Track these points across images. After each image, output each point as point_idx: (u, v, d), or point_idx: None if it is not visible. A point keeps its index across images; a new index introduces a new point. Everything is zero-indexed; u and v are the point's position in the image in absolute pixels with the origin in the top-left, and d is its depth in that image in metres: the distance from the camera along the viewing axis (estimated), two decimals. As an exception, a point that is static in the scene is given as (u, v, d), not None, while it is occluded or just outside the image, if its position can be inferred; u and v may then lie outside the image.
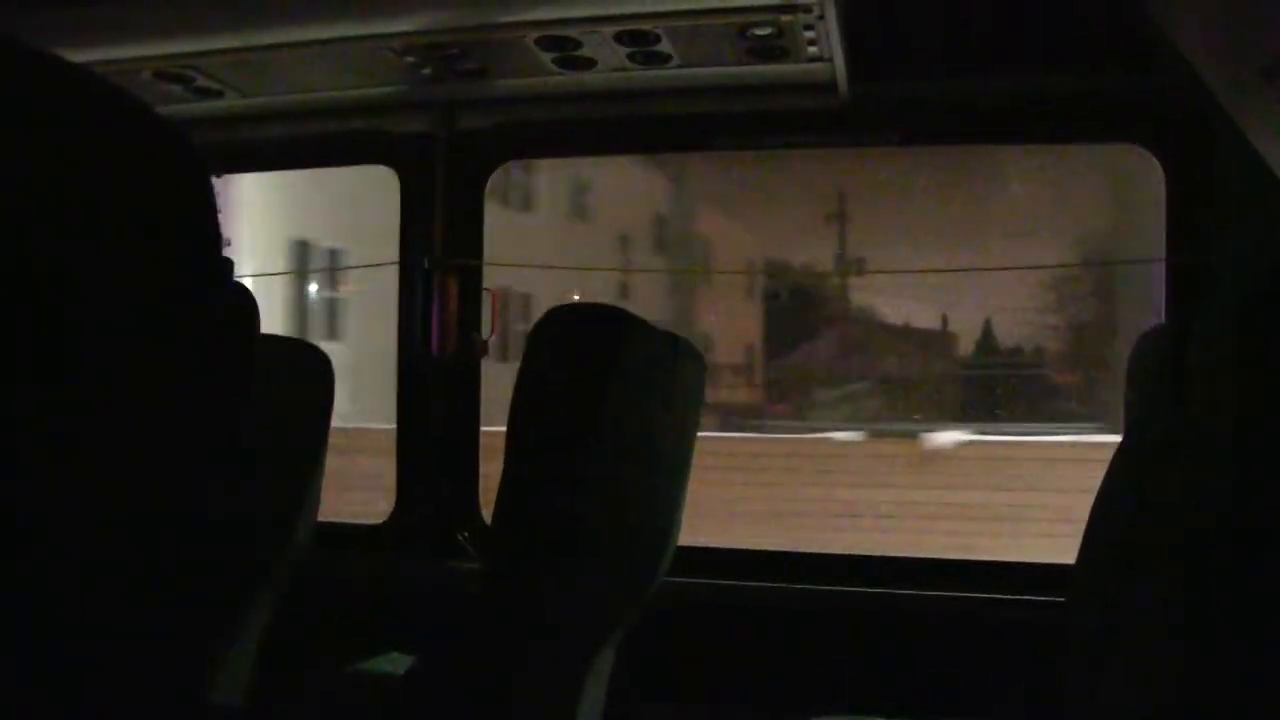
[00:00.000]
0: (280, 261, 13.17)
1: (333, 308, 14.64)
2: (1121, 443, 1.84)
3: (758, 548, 2.80)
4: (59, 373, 0.53)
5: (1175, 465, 1.39)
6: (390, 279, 2.87)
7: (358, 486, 3.84)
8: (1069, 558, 1.88)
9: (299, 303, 14.26)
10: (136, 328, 0.57)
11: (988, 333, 13.44)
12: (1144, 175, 2.43)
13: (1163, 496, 1.40)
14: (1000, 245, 11.33)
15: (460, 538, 2.75)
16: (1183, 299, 2.35)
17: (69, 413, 0.54)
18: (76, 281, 0.54)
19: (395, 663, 2.43)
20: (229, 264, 0.65)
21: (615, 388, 1.70)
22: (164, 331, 0.59)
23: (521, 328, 2.58)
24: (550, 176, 15.15)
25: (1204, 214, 2.35)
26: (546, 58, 2.43)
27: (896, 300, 14.27)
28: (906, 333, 14.49)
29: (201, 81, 2.57)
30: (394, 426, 2.81)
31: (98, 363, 0.55)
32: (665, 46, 2.34)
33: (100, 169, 0.56)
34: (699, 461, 2.17)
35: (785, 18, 2.16)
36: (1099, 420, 10.82)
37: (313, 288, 14.47)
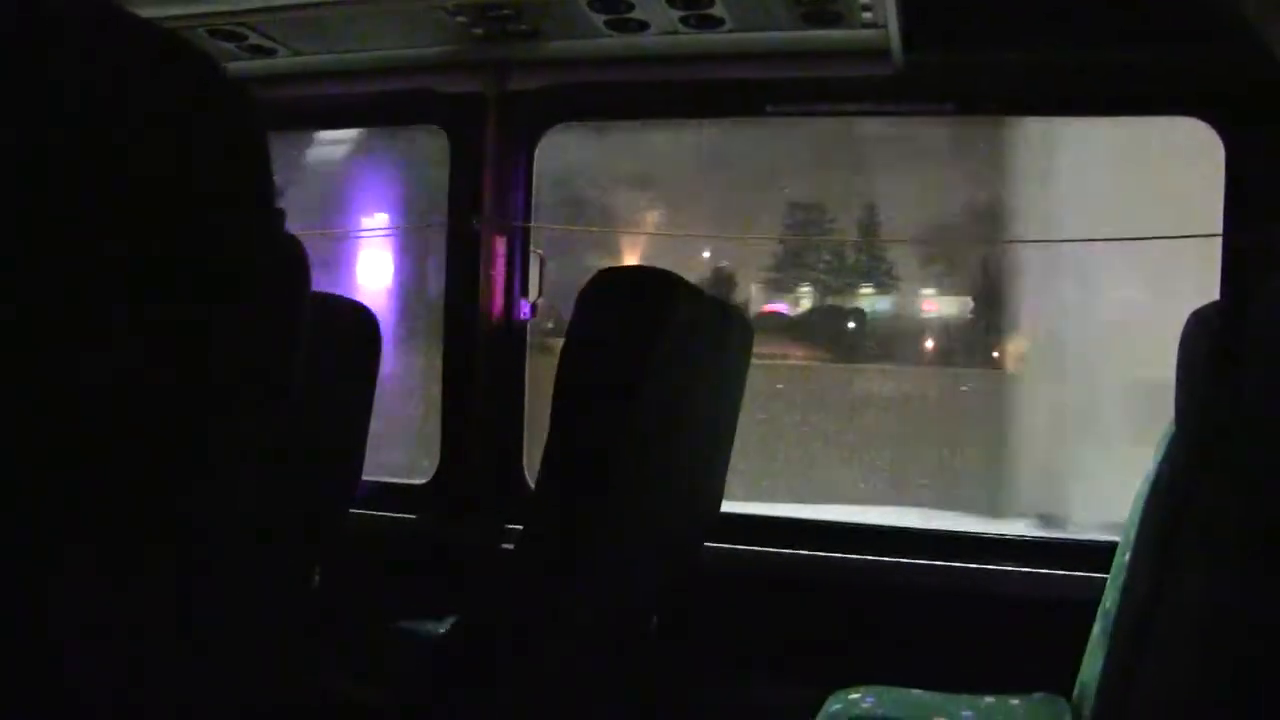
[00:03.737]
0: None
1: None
2: (1171, 422, 1.82)
3: (802, 516, 2.79)
4: (107, 319, 0.53)
5: (1227, 448, 1.37)
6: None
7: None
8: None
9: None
10: (187, 275, 0.57)
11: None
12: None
13: (1211, 478, 1.38)
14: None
15: (496, 484, 2.77)
16: (1239, 276, 2.31)
17: (115, 361, 0.54)
18: (129, 227, 0.54)
19: (437, 622, 2.45)
20: (280, 214, 0.64)
21: (663, 352, 1.70)
22: (215, 279, 0.59)
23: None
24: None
25: (1263, 189, 2.31)
26: (599, 19, 2.41)
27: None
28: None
29: (254, 39, 2.58)
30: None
31: (147, 308, 0.55)
32: (719, 10, 2.32)
33: (156, 115, 0.56)
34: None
35: (840, -18, 2.14)
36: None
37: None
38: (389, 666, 2.37)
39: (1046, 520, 2.84)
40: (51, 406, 0.52)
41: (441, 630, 2.38)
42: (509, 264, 2.79)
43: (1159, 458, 1.79)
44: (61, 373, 0.52)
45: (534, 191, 2.85)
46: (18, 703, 0.55)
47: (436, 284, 2.99)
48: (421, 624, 2.45)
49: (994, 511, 2.89)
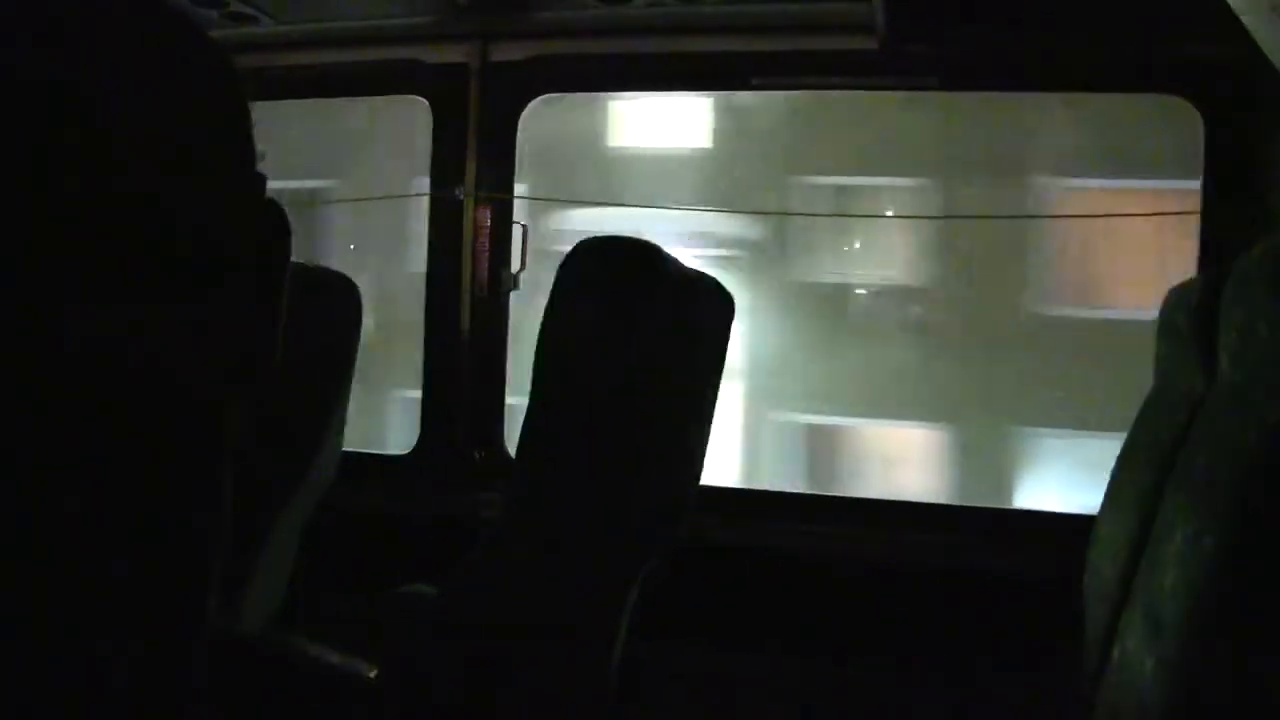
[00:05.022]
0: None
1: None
2: (1150, 394, 1.83)
3: (783, 490, 2.81)
4: (84, 284, 0.53)
5: (1205, 419, 1.38)
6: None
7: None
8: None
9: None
10: (165, 241, 0.57)
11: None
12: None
13: (1191, 450, 1.39)
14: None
15: (477, 456, 2.77)
16: (1217, 251, 2.33)
17: (89, 330, 0.54)
18: (104, 193, 0.53)
19: (420, 593, 2.45)
20: (261, 179, 0.64)
21: (643, 323, 1.70)
22: (195, 247, 0.58)
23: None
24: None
25: (1242, 165, 2.32)
26: (583, -11, 2.41)
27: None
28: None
29: (235, 6, 2.56)
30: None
31: (123, 275, 0.55)
32: (704, -19, 2.32)
33: (133, 75, 0.56)
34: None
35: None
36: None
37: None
38: (370, 639, 2.37)
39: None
40: (34, 393, 0.52)
41: (427, 599, 2.38)
42: (492, 235, 2.78)
43: (1137, 425, 1.80)
44: (39, 354, 0.52)
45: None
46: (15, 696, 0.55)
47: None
48: (408, 592, 2.45)
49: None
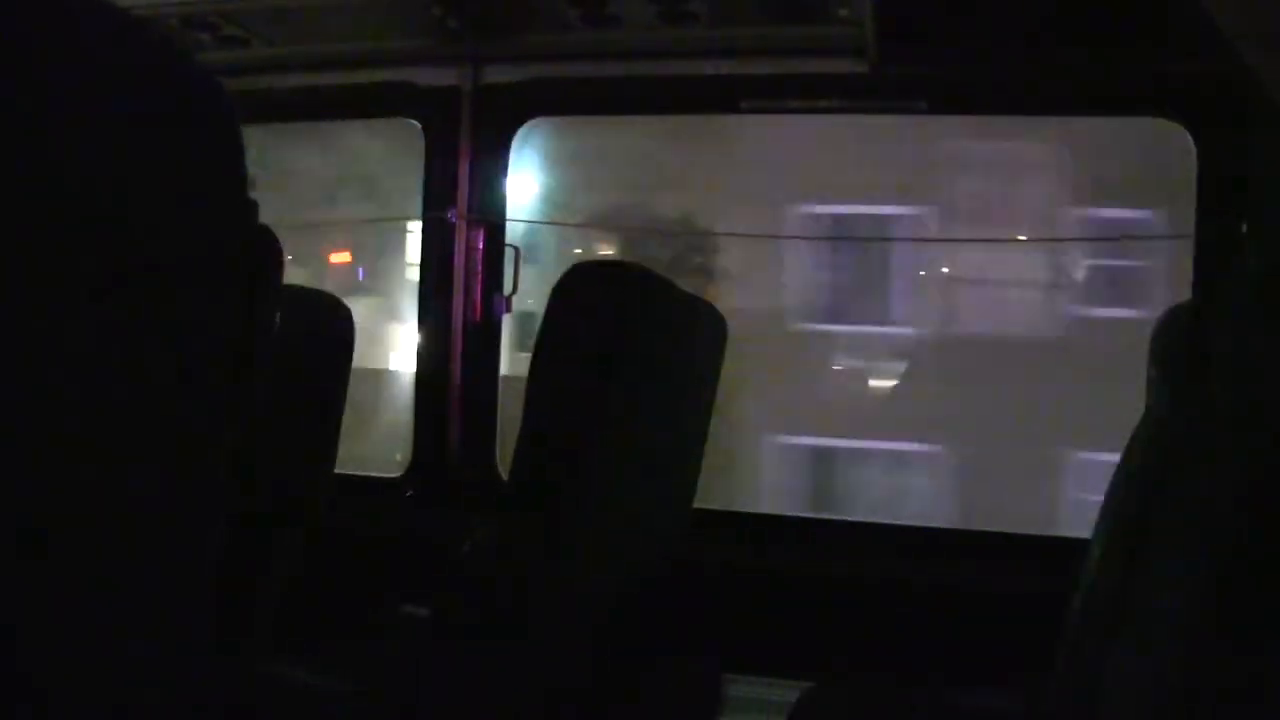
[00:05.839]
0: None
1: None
2: (1142, 419, 1.83)
3: (777, 514, 2.80)
4: (77, 307, 0.53)
5: (1196, 444, 1.38)
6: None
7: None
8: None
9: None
10: (159, 264, 0.57)
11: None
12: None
13: (1182, 475, 1.39)
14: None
15: (469, 478, 2.76)
16: (1209, 275, 2.33)
17: (88, 350, 0.54)
18: (102, 216, 0.53)
19: (413, 614, 2.44)
20: (253, 205, 0.64)
21: (636, 346, 1.70)
22: (187, 269, 0.58)
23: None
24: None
25: (1234, 189, 2.33)
26: (573, 13, 2.41)
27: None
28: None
29: (227, 30, 2.56)
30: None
31: (118, 295, 0.55)
32: (694, 5, 2.32)
33: (129, 106, 0.56)
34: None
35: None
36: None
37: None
38: (363, 659, 2.36)
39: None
40: (27, 409, 0.52)
41: (417, 623, 2.37)
42: (485, 258, 2.78)
43: (1130, 449, 1.80)
44: (33, 375, 0.52)
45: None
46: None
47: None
48: (396, 616, 2.44)
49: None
